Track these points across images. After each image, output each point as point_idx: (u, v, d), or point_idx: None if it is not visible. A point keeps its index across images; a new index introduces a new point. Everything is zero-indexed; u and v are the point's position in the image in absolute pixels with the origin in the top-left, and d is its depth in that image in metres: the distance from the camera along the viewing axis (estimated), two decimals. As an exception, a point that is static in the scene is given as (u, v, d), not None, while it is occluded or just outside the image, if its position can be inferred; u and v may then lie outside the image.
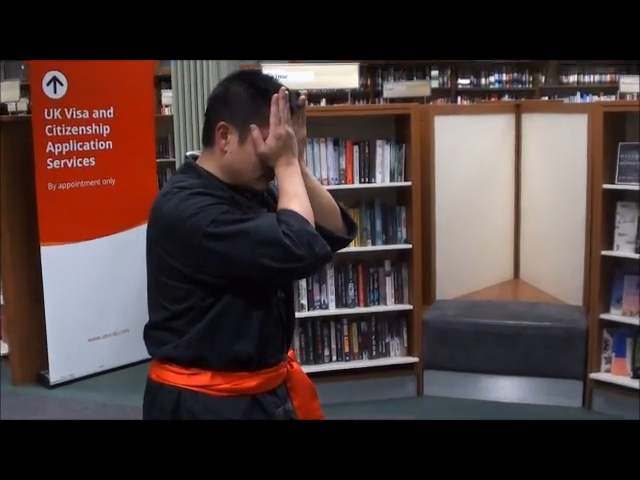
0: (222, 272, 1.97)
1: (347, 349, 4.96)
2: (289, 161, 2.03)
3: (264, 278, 1.98)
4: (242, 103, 2.02)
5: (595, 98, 11.34)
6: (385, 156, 4.78)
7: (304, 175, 2.08)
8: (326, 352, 4.93)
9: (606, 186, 4.51)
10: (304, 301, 4.80)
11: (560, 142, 5.23)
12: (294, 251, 1.88)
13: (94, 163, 5.43)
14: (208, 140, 2.09)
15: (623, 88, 8.68)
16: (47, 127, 5.15)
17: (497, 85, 12.33)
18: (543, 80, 12.11)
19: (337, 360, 4.96)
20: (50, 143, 5.17)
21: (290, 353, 2.27)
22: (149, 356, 2.16)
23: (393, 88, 10.03)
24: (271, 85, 2.04)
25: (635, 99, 8.39)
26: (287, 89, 2.02)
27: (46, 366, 5.33)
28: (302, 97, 2.09)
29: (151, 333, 2.12)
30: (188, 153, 2.19)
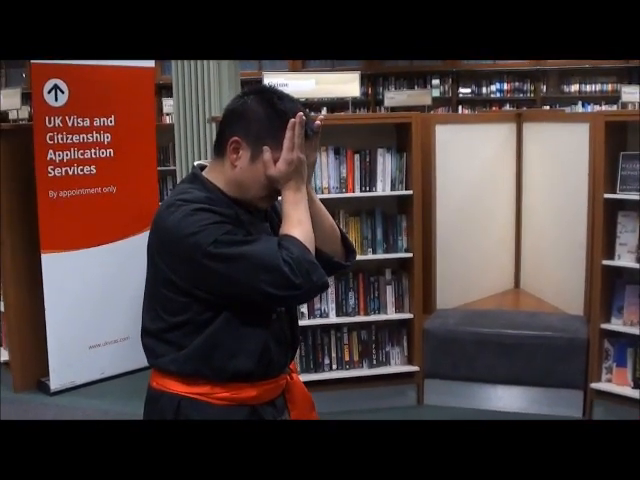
0: (220, 291, 1.96)
1: (347, 358, 4.95)
2: (297, 187, 2.01)
3: (261, 301, 1.97)
4: (258, 122, 2.00)
5: (597, 107, 11.35)
6: (386, 165, 4.78)
7: (310, 200, 2.07)
8: (326, 360, 4.93)
9: (607, 196, 4.50)
10: (304, 309, 4.79)
11: (561, 151, 5.23)
12: (292, 279, 1.88)
13: (95, 171, 5.44)
14: (219, 151, 2.07)
15: (625, 98, 8.70)
16: (48, 135, 5.15)
17: (498, 94, 12.32)
18: (544, 89, 12.11)
19: (337, 369, 4.95)
20: (51, 151, 5.17)
21: (291, 364, 2.26)
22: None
23: (394, 97, 10.07)
24: (290, 108, 2.01)
25: (637, 108, 8.39)
26: (304, 114, 2.00)
27: (47, 373, 5.33)
28: (318, 123, 2.08)
29: (148, 343, 2.11)
30: (196, 163, 2.16)
